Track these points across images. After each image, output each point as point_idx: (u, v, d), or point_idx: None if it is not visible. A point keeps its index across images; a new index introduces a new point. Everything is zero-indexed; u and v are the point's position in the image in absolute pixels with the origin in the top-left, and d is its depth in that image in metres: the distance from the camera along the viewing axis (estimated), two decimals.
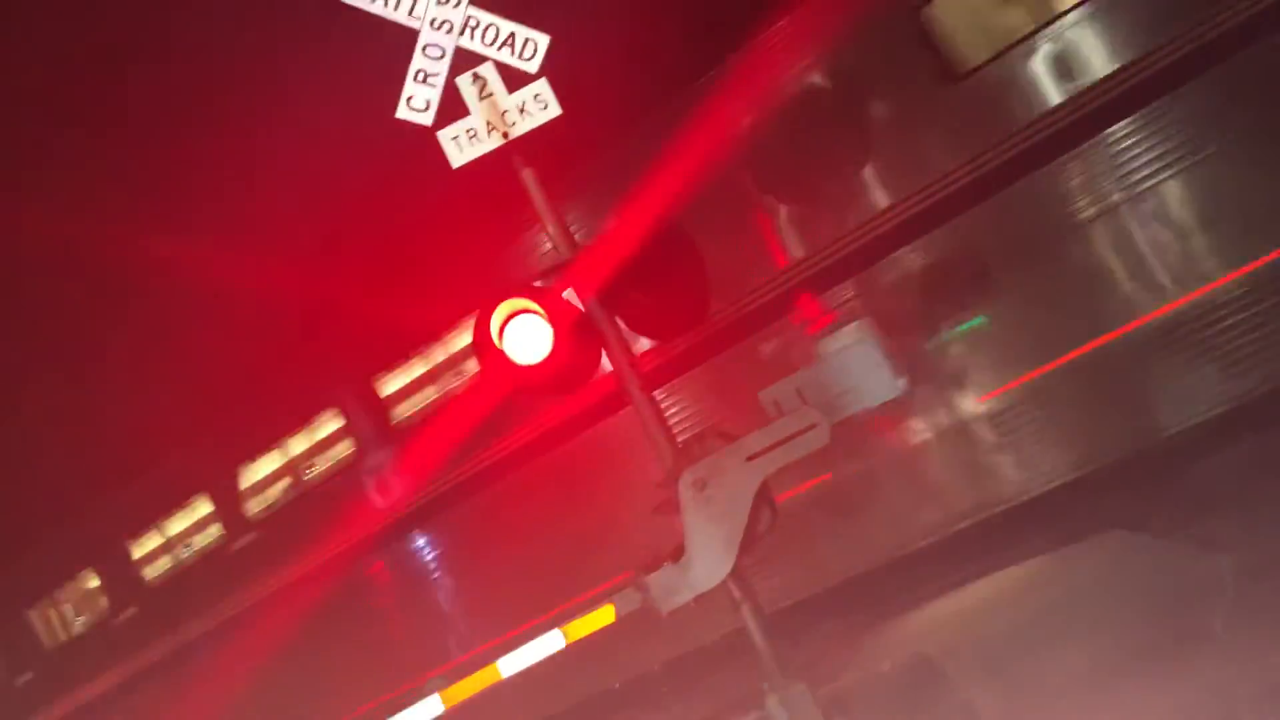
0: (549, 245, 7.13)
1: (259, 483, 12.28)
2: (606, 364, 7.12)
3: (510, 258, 9.88)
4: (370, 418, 11.17)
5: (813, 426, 6.20)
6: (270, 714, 11.92)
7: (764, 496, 6.54)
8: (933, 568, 8.85)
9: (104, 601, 14.15)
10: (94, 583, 14.30)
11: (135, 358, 14.97)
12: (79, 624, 14.51)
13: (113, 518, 13.73)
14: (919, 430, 9.12)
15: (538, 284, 6.63)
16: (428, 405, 10.69)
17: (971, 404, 8.98)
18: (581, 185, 9.49)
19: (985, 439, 9.01)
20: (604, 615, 6.98)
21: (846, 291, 9.03)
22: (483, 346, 6.44)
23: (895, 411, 8.64)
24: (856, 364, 7.45)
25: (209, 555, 12.88)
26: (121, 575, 13.67)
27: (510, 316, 6.43)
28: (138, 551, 13.55)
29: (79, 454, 14.73)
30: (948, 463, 9.19)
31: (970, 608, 8.11)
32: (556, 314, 6.38)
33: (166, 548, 13.34)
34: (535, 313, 6.39)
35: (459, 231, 9.79)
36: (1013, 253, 8.73)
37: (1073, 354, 8.66)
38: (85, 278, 14.95)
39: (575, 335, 6.57)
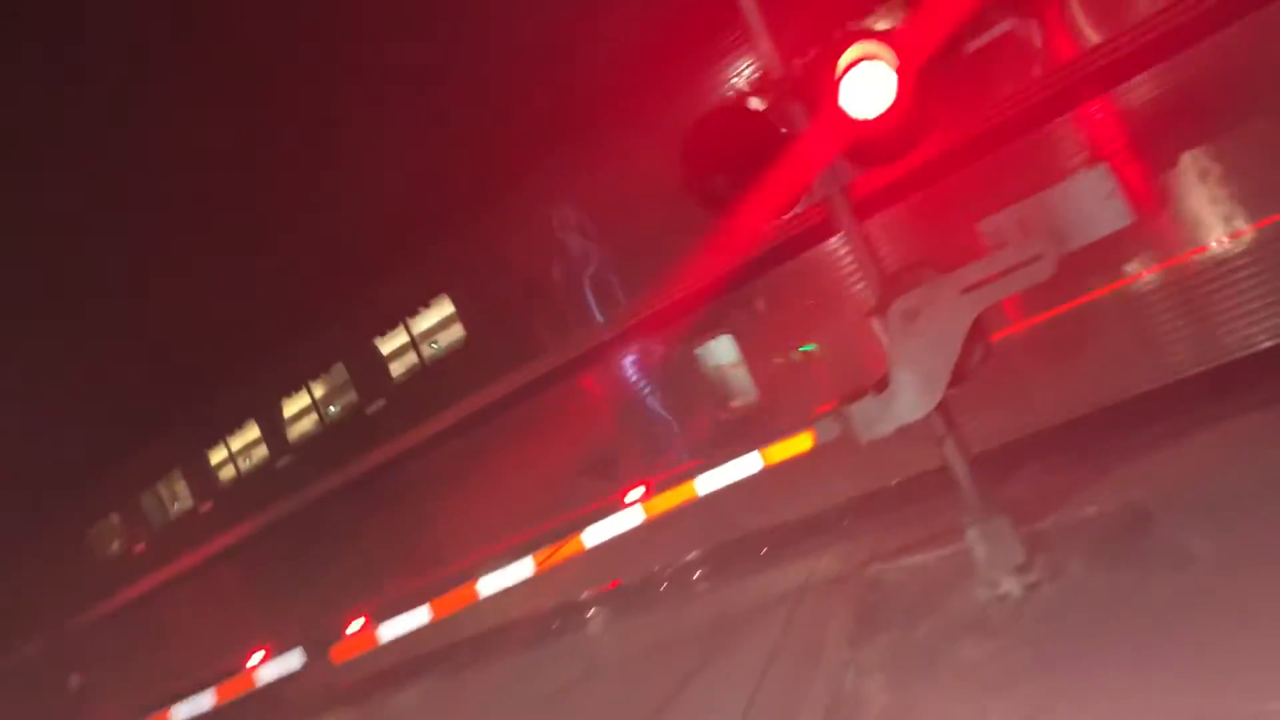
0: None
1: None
2: (816, 190, 6.95)
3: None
4: None
5: (1037, 258, 5.87)
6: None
7: (978, 330, 6.31)
8: (1152, 414, 8.39)
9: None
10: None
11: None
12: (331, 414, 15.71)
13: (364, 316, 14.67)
14: (1147, 269, 8.52)
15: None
16: None
17: (1207, 244, 8.27)
18: None
19: (1218, 283, 8.33)
20: (801, 442, 7.04)
21: (1073, 122, 8.36)
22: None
23: (1123, 247, 8.05)
24: (1085, 194, 6.92)
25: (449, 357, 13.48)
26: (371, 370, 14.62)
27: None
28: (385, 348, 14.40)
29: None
30: (1175, 307, 8.57)
31: (1189, 457, 7.66)
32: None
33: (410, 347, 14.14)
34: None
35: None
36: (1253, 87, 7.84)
37: None
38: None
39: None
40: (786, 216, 8.48)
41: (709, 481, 7.56)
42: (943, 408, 6.39)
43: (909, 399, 6.31)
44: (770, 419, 9.36)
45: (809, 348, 11.75)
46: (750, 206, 6.62)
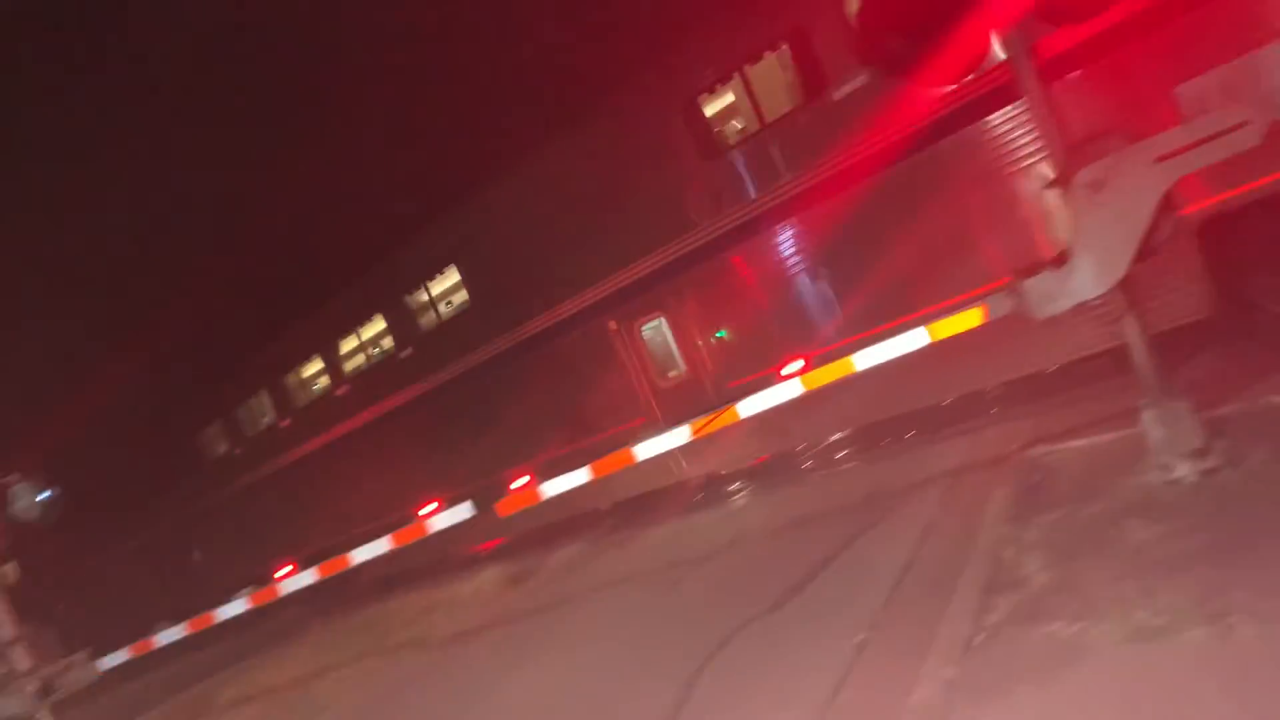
0: None
1: None
2: (998, 51, 6.60)
3: None
4: None
5: (1244, 124, 5.46)
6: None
7: (1169, 204, 5.97)
8: None
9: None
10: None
11: None
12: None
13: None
14: None
15: None
16: None
17: None
18: None
19: None
20: (972, 317, 6.87)
21: None
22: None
23: None
24: None
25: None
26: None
27: None
28: None
29: None
30: None
31: None
32: None
33: None
34: None
35: None
36: None
37: None
38: None
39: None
40: (965, 80, 8.08)
41: (869, 357, 7.47)
42: (1126, 284, 6.10)
43: (1090, 274, 6.06)
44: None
45: (721, 334, 11.76)
46: (928, 69, 6.35)
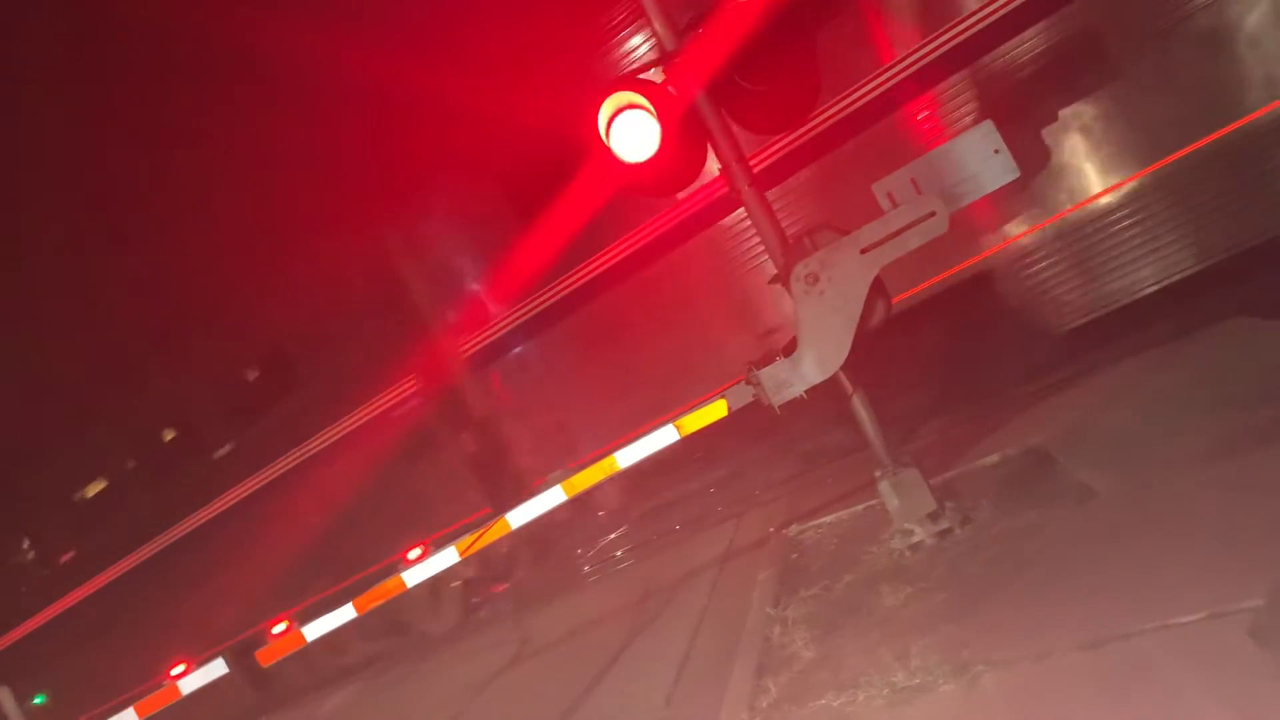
0: (651, 39, 6.93)
1: None
2: (714, 167, 7.06)
3: (612, 56, 9.64)
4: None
5: (931, 215, 6.08)
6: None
7: (878, 290, 6.52)
8: (1049, 361, 8.80)
9: None
10: None
11: None
12: None
13: None
14: (1035, 223, 8.89)
15: (643, 77, 6.48)
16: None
17: (1093, 195, 8.68)
18: None
19: (1109, 230, 8.77)
20: (716, 410, 7.16)
21: (958, 83, 8.65)
22: (590, 144, 6.39)
23: (1012, 203, 8.39)
24: (972, 151, 7.19)
25: None
26: None
27: (617, 112, 6.35)
28: None
29: None
30: (1067, 257, 8.98)
31: (1083, 402, 8.06)
32: (664, 109, 6.28)
33: None
34: (642, 108, 6.30)
35: (558, 29, 9.53)
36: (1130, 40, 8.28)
37: (1202, 141, 8.25)
38: None
39: (683, 131, 6.47)
40: (688, 192, 8.60)
41: (629, 455, 7.62)
42: (849, 367, 6.57)
43: (816, 360, 6.49)
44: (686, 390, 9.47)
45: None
46: (659, 184, 6.74)
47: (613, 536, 12.64)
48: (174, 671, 8.98)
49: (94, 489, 15.81)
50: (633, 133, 6.29)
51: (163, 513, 14.81)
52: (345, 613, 8.24)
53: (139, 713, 8.76)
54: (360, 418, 12.88)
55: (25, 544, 16.82)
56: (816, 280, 6.37)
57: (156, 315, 15.14)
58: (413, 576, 8.36)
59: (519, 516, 8.10)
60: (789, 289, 6.46)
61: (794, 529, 8.52)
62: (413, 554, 8.83)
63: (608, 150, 6.31)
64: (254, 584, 13.49)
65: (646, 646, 8.09)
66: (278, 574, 13.30)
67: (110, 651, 15.82)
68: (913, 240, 6.16)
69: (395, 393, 12.38)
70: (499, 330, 11.11)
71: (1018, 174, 6.78)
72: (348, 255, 12.32)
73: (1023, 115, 8.34)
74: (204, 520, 14.50)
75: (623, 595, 9.91)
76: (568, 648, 9.40)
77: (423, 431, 12.43)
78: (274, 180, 13.17)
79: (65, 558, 16.19)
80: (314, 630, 8.33)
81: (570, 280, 10.30)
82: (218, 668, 8.64)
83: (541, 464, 11.07)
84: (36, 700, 15.19)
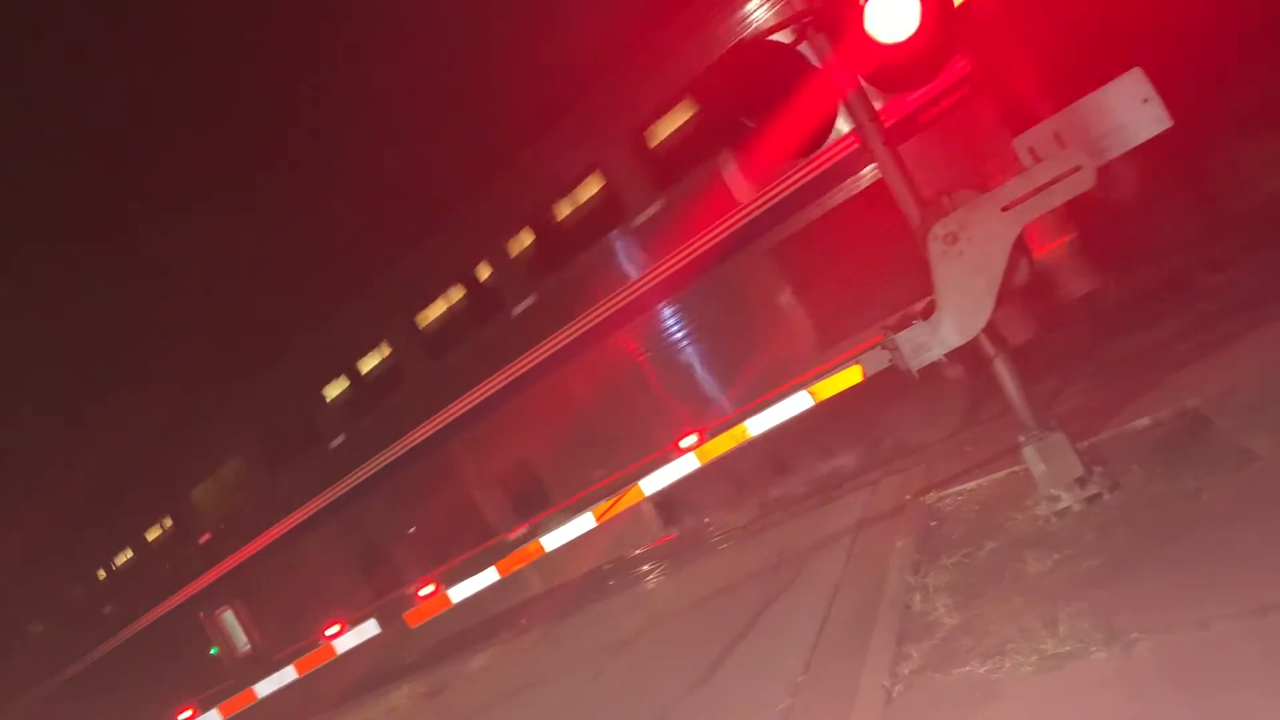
0: None
1: None
2: (843, 124, 6.95)
3: None
4: None
5: (1076, 169, 5.84)
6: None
7: (1021, 247, 6.31)
8: (1204, 319, 8.34)
9: None
10: None
11: None
12: None
13: None
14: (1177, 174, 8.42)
15: None
16: None
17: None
18: None
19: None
20: (850, 375, 7.09)
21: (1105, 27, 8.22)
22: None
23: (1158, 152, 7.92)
24: (1120, 101, 6.83)
25: None
26: None
27: None
28: None
29: None
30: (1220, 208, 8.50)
31: (1240, 361, 7.61)
32: None
33: None
34: None
35: None
36: None
37: None
38: None
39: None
40: (817, 151, 8.44)
41: (761, 422, 7.62)
42: (991, 328, 6.39)
43: (956, 322, 6.33)
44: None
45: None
46: (777, 142, 6.62)
47: (742, 506, 12.62)
48: (329, 632, 9.45)
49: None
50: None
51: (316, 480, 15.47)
52: (489, 575, 8.51)
53: (298, 669, 9.28)
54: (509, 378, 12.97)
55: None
56: (956, 240, 6.20)
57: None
58: (551, 541, 8.56)
59: (652, 483, 8.21)
60: (926, 250, 6.31)
61: (932, 496, 8.36)
62: (551, 519, 9.05)
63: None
64: (400, 549, 14.00)
65: (782, 613, 8.09)
66: (424, 538, 13.74)
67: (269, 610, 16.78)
68: (1057, 196, 5.92)
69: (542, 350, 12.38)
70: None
71: (1170, 123, 6.41)
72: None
73: (1178, 61, 7.89)
74: (352, 486, 15.06)
75: (755, 563, 9.91)
76: (701, 613, 9.47)
77: (568, 398, 12.49)
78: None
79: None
80: (459, 592, 8.62)
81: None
82: (370, 628, 9.05)
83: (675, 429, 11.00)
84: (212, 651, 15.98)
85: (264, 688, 9.28)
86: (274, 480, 15.48)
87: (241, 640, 14.09)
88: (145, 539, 18.33)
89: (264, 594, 16.40)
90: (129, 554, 19.00)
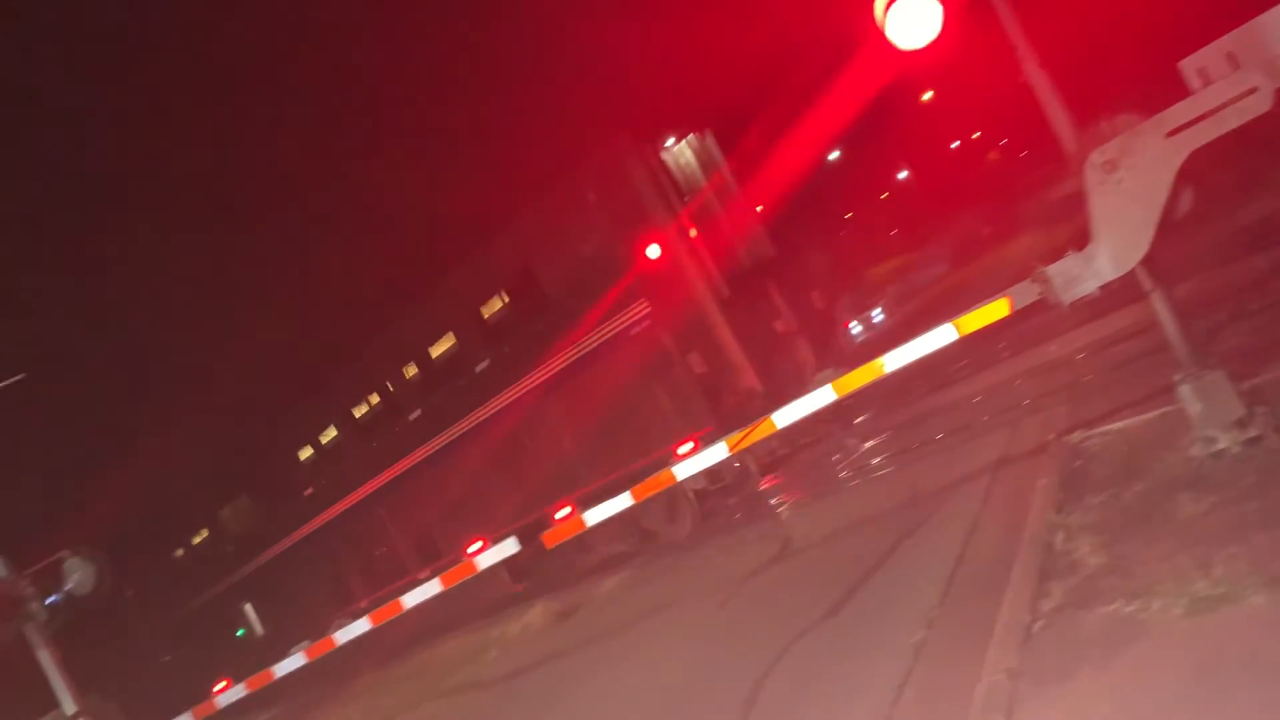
0: None
1: None
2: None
3: None
4: None
5: (1252, 91, 5.48)
6: None
7: (1185, 176, 5.99)
8: None
9: None
10: None
11: None
12: None
13: None
14: None
15: None
16: None
17: None
18: None
19: None
20: (998, 309, 6.86)
21: None
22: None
23: None
24: None
25: None
26: None
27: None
28: None
29: None
30: None
31: None
32: None
33: None
34: None
35: None
36: None
37: None
38: None
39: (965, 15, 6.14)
40: None
41: (898, 358, 7.46)
42: (1149, 261, 6.11)
43: (1112, 255, 6.08)
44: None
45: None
46: None
47: (872, 444, 12.56)
48: (471, 549, 9.89)
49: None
50: (911, 15, 5.99)
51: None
52: (623, 500, 8.70)
53: (444, 582, 9.76)
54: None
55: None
56: (1115, 168, 5.92)
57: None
58: (683, 470, 8.67)
59: (786, 416, 8.18)
60: (1083, 178, 6.05)
61: (1077, 435, 8.11)
62: (683, 449, 9.16)
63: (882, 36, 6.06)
64: (540, 474, 14.60)
65: (916, 548, 8.02)
66: (560, 465, 14.26)
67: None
68: (1231, 119, 5.58)
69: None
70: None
71: None
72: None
73: None
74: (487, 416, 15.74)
75: (887, 500, 9.83)
76: (831, 548, 9.48)
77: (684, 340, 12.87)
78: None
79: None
80: (594, 515, 8.86)
81: None
82: (509, 546, 9.41)
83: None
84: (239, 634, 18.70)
85: (410, 599, 9.85)
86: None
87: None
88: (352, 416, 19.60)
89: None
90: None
